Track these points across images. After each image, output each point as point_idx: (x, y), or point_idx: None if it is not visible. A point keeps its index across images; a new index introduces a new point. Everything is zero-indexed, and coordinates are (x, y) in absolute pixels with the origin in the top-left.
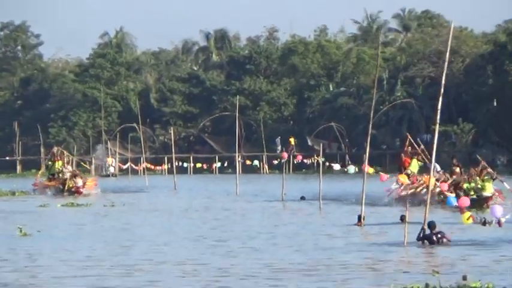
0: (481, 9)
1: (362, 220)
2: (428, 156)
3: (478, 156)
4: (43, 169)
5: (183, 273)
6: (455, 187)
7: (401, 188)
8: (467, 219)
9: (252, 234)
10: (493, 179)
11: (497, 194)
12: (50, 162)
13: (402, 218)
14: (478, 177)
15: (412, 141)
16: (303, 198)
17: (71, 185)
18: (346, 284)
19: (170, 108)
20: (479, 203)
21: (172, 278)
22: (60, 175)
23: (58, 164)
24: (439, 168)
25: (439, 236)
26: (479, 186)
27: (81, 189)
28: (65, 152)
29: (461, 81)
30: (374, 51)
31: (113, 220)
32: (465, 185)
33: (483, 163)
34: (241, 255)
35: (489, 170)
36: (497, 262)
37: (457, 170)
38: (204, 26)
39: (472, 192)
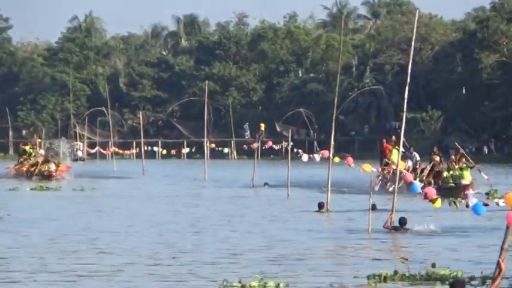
0: None
1: (327, 207)
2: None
3: (457, 144)
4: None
5: (138, 256)
6: (435, 176)
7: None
8: (436, 202)
9: (216, 220)
10: (471, 168)
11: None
12: (25, 147)
13: (373, 207)
14: (456, 165)
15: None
16: (266, 184)
17: (43, 169)
18: (312, 270)
19: (139, 93)
20: (457, 190)
21: (123, 264)
22: (32, 159)
23: (29, 148)
24: (418, 158)
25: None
26: (457, 173)
27: (54, 174)
28: (40, 138)
29: (430, 69)
30: (343, 37)
31: (79, 204)
32: (444, 174)
33: (462, 151)
34: (205, 240)
35: (468, 158)
36: (467, 250)
37: (437, 158)
38: (174, 11)
39: (450, 180)
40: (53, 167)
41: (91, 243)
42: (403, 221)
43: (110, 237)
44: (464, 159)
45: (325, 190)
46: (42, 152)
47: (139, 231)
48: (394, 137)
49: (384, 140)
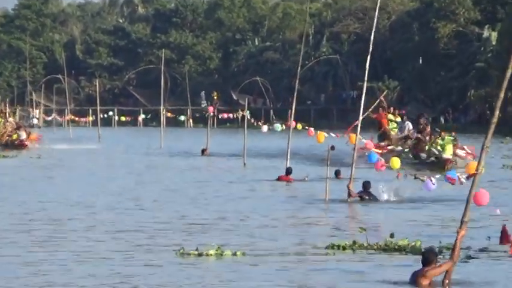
0: None
1: (289, 177)
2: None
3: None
4: None
5: (98, 223)
6: (416, 148)
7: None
8: (394, 165)
9: (171, 189)
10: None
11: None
12: None
13: (337, 173)
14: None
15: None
16: (203, 151)
17: (15, 138)
18: (270, 239)
19: (95, 60)
20: (439, 165)
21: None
22: (2, 128)
23: None
24: (411, 127)
25: (370, 198)
26: (439, 147)
27: (25, 142)
28: (6, 108)
29: (387, 38)
30: (300, 6)
31: (28, 172)
32: (427, 147)
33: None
34: (158, 210)
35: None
36: (425, 221)
37: (428, 129)
38: None
39: (432, 154)
40: (23, 135)
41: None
42: (366, 185)
43: (63, 206)
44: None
45: (280, 157)
46: (11, 120)
47: (96, 200)
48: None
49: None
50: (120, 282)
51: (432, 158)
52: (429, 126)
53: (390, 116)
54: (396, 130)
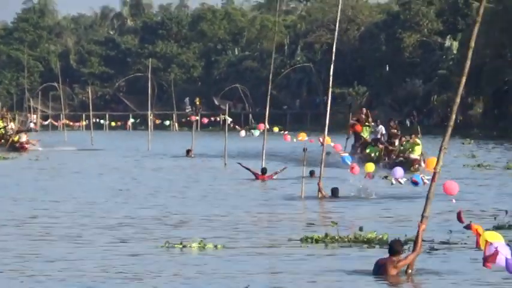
0: None
1: (281, 169)
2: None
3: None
4: None
5: (87, 219)
6: (387, 150)
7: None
8: (369, 169)
9: (157, 187)
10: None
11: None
12: None
13: (311, 173)
14: (407, 140)
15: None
16: (188, 152)
17: (16, 140)
18: (249, 234)
19: (88, 69)
20: (407, 165)
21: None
22: (3, 132)
23: (0, 122)
24: (384, 131)
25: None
26: (407, 147)
27: (25, 145)
28: (8, 111)
29: (356, 48)
30: (278, 19)
31: (31, 173)
32: (398, 147)
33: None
34: (144, 206)
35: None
36: (391, 216)
37: (394, 131)
38: None
39: (400, 154)
40: (24, 138)
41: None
42: (335, 191)
43: (58, 204)
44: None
45: (258, 158)
46: (12, 124)
47: (87, 198)
48: (364, 110)
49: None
50: (104, 270)
51: (401, 158)
52: (398, 129)
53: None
54: (368, 134)
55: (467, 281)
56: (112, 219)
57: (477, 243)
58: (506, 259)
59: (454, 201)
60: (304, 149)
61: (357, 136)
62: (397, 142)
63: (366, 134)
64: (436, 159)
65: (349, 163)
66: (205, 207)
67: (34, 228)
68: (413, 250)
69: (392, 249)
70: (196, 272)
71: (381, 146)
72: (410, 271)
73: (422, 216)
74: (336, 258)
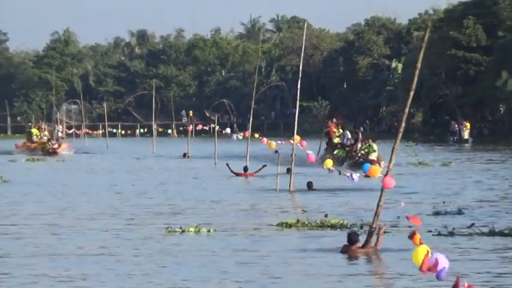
0: (335, 14)
1: (261, 167)
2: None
3: (357, 128)
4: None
5: (99, 209)
6: (350, 151)
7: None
8: (328, 165)
9: (160, 182)
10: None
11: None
12: (32, 130)
13: (288, 170)
14: (366, 144)
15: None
16: (185, 155)
17: (48, 147)
18: (235, 220)
19: (104, 88)
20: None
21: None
22: (38, 139)
23: (35, 132)
24: (349, 136)
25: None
26: (367, 150)
27: (57, 150)
28: (43, 122)
29: (320, 69)
30: (255, 46)
31: (58, 171)
32: (359, 151)
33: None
34: (150, 198)
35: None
36: (351, 205)
37: (360, 136)
38: (129, 27)
39: (360, 155)
40: (56, 144)
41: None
42: (310, 184)
43: (80, 196)
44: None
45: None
46: (46, 133)
47: (102, 191)
48: (335, 119)
49: (329, 122)
50: (109, 251)
51: (361, 159)
52: (361, 134)
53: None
54: (338, 139)
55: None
56: (126, 206)
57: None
58: (442, 269)
59: (402, 204)
60: (275, 151)
61: (329, 141)
62: (359, 145)
63: (336, 140)
64: (376, 167)
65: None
66: (198, 199)
67: (74, 209)
68: (375, 244)
69: (349, 239)
70: (196, 250)
71: (346, 148)
72: (371, 251)
73: (378, 205)
74: (306, 239)
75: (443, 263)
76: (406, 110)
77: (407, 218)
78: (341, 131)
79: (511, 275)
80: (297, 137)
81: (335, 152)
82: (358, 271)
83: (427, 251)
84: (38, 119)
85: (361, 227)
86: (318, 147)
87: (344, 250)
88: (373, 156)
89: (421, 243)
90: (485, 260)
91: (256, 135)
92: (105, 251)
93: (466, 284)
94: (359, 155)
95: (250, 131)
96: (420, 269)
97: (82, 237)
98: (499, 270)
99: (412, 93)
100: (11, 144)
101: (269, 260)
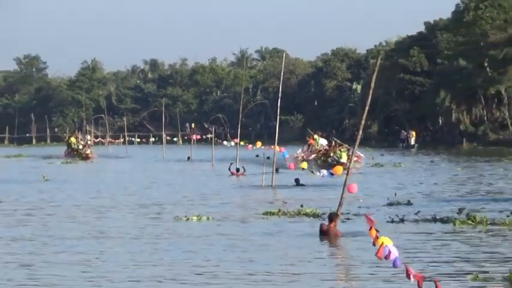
0: (307, 46)
1: (243, 171)
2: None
3: (333, 138)
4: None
5: (122, 202)
6: (324, 155)
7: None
8: (303, 166)
9: (168, 180)
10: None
11: (356, 158)
12: (70, 139)
13: (277, 169)
14: (337, 149)
15: (316, 136)
16: (188, 158)
17: (82, 153)
18: (227, 210)
19: (124, 106)
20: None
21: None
22: (76, 146)
23: (73, 140)
24: (325, 143)
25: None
26: (338, 155)
27: (89, 156)
28: (79, 134)
29: (295, 90)
30: (244, 72)
31: (88, 172)
32: (331, 154)
33: (337, 141)
34: (160, 192)
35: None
36: (321, 198)
37: (333, 143)
38: (143, 57)
39: (334, 158)
40: (88, 151)
41: (95, 192)
42: (297, 180)
43: (108, 191)
44: (338, 146)
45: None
46: (82, 142)
47: (125, 187)
48: (318, 133)
49: (309, 138)
50: (137, 232)
51: (334, 162)
52: (333, 142)
53: (316, 137)
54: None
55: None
56: (142, 199)
57: (374, 243)
58: (396, 258)
59: (361, 200)
60: (256, 155)
61: (308, 146)
62: (331, 154)
63: (316, 146)
64: (340, 167)
65: (287, 156)
66: (199, 193)
67: (105, 201)
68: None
69: (330, 219)
70: (198, 234)
71: (321, 153)
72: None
73: (341, 197)
74: (286, 225)
75: (395, 253)
76: (362, 122)
77: (365, 216)
78: (320, 140)
79: (448, 253)
80: (276, 147)
81: (318, 161)
82: (326, 251)
83: (382, 243)
84: (72, 130)
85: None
86: (296, 152)
87: (325, 228)
88: (343, 159)
89: (376, 237)
90: (428, 241)
91: (242, 143)
92: (125, 234)
93: (412, 272)
94: (334, 157)
95: (239, 139)
96: (376, 254)
97: (109, 222)
98: (439, 250)
99: (367, 108)
100: (49, 151)
101: (258, 241)
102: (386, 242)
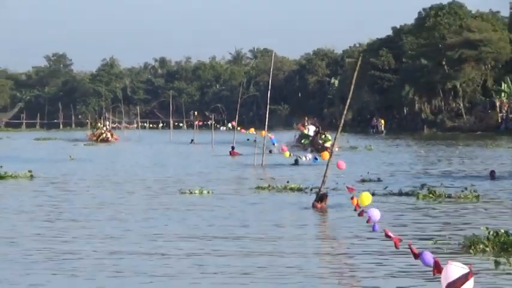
0: (293, 46)
1: (235, 151)
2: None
3: (318, 126)
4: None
5: (133, 175)
6: (312, 142)
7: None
8: (288, 155)
9: (174, 159)
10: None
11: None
12: (96, 124)
13: (270, 150)
14: (323, 135)
15: (307, 122)
16: (192, 141)
17: (104, 136)
18: (224, 185)
19: (137, 96)
20: (322, 150)
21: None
22: (99, 130)
23: (97, 125)
24: (312, 129)
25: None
26: (324, 139)
27: (109, 139)
28: (102, 120)
29: (283, 84)
30: (239, 68)
31: (106, 152)
32: (320, 141)
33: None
34: (167, 170)
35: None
36: (306, 175)
37: (320, 129)
38: (154, 55)
39: (320, 143)
40: (109, 135)
41: (111, 169)
42: (296, 161)
43: (124, 169)
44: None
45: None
46: (105, 127)
47: (136, 165)
48: (306, 118)
49: (300, 125)
50: (145, 207)
51: (320, 147)
52: (320, 128)
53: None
54: (306, 131)
55: (349, 208)
56: (152, 175)
57: (355, 208)
58: (375, 224)
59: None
60: (247, 139)
61: (302, 132)
62: (318, 136)
63: (306, 131)
64: (326, 152)
65: (275, 143)
66: (201, 171)
67: (120, 175)
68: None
69: (320, 198)
70: (200, 205)
71: (310, 138)
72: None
73: (324, 175)
74: (274, 198)
75: (376, 216)
76: (345, 112)
77: (347, 187)
78: (309, 127)
79: (412, 221)
80: (267, 132)
81: (302, 141)
82: (309, 220)
83: (362, 210)
84: (94, 118)
85: (311, 190)
86: (285, 138)
87: (318, 206)
88: (327, 144)
89: (358, 205)
90: (395, 211)
91: (239, 128)
92: (137, 206)
93: (391, 234)
94: (320, 142)
95: (236, 124)
96: (355, 209)
97: (124, 197)
98: (403, 217)
99: (348, 101)
100: (74, 135)
101: (249, 211)
102: (366, 197)
